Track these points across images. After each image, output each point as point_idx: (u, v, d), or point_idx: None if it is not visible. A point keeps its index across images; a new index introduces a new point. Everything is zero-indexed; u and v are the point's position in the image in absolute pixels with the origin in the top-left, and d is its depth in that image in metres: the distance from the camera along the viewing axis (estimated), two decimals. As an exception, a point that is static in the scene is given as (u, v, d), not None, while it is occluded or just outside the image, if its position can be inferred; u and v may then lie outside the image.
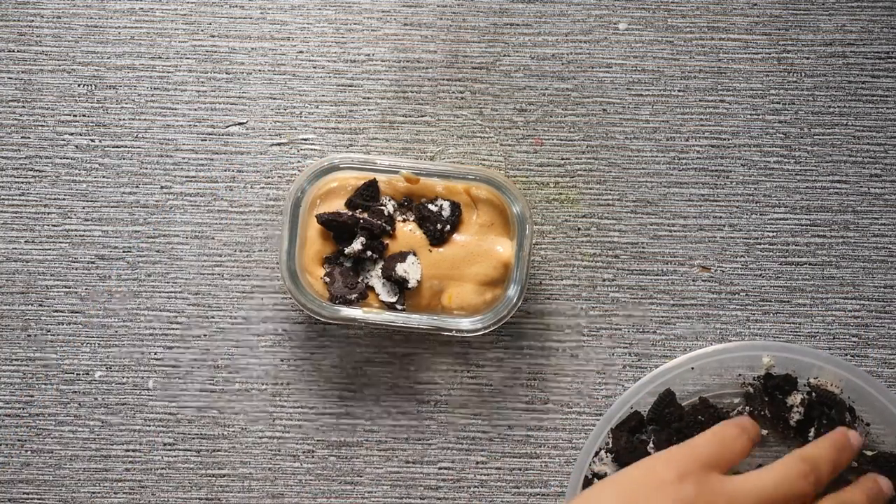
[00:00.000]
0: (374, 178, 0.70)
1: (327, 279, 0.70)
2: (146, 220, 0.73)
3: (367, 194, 0.70)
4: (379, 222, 0.70)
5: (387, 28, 0.73)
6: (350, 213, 0.70)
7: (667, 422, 0.71)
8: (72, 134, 0.73)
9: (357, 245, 0.69)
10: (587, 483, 0.70)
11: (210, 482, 0.73)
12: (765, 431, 0.72)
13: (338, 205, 0.71)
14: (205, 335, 0.73)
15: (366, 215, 0.70)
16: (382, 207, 0.70)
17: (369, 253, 0.70)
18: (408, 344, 0.73)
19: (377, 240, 0.70)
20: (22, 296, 0.73)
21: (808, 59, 0.73)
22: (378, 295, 0.70)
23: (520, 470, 0.73)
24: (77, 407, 0.73)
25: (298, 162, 0.73)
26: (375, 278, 0.70)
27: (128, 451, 0.73)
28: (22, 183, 0.73)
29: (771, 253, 0.73)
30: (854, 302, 0.73)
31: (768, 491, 0.62)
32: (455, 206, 0.70)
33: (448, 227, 0.70)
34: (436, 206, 0.70)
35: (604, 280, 0.73)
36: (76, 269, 0.73)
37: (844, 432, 0.68)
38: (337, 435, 0.73)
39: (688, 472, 0.62)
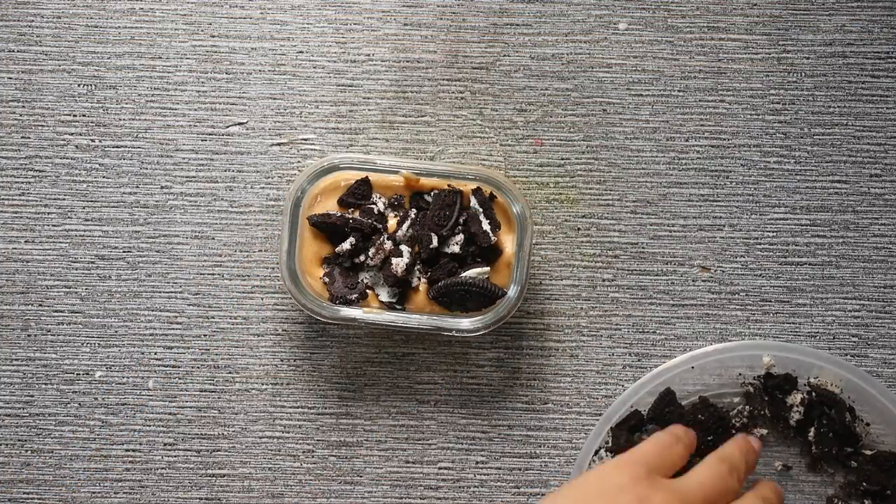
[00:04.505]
0: (367, 177, 0.70)
1: (326, 279, 0.70)
2: (146, 220, 0.73)
3: (360, 193, 0.70)
4: (369, 221, 0.70)
5: (387, 28, 0.73)
6: (340, 214, 0.70)
7: (667, 421, 0.71)
8: (72, 134, 0.73)
9: (346, 245, 0.70)
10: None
11: (210, 482, 0.73)
12: (765, 431, 0.72)
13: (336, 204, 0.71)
14: (205, 335, 0.73)
15: (357, 214, 0.70)
16: (373, 206, 0.70)
17: (361, 256, 0.70)
18: (408, 344, 0.73)
19: (368, 239, 0.70)
20: (22, 296, 0.73)
21: (808, 59, 0.73)
22: (378, 295, 0.70)
23: (520, 470, 0.73)
24: (77, 407, 0.74)
25: (298, 162, 0.73)
26: (375, 278, 0.71)
27: (128, 451, 0.73)
28: (22, 183, 0.73)
29: (771, 253, 0.73)
30: (854, 302, 0.73)
31: (708, 486, 0.64)
32: (456, 193, 0.69)
33: (453, 213, 0.70)
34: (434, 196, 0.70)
35: (604, 280, 0.73)
36: (76, 269, 0.73)
37: (746, 437, 0.69)
38: (337, 435, 0.73)
39: (639, 475, 0.63)
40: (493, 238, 0.69)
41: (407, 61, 0.73)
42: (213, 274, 0.73)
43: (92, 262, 0.73)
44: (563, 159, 0.73)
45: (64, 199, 0.73)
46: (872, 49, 0.73)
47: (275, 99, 0.73)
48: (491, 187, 0.70)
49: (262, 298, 0.73)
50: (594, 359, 0.73)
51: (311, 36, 0.73)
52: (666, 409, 0.71)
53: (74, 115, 0.73)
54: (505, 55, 0.73)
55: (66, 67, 0.73)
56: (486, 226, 0.69)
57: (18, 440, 0.74)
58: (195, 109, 0.73)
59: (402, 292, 0.71)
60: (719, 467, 0.66)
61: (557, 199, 0.73)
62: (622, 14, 0.73)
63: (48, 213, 0.73)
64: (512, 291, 0.69)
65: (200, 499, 0.73)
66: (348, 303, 0.70)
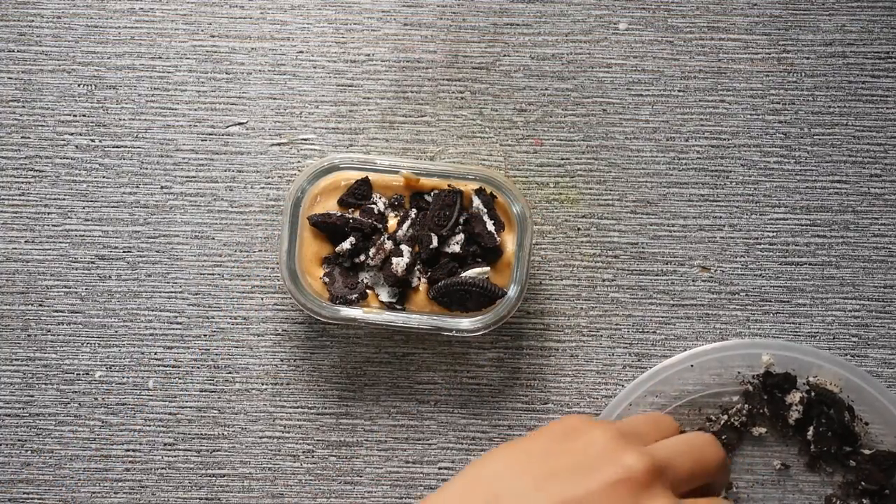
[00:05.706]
0: (367, 177, 0.70)
1: (326, 279, 0.70)
2: (146, 220, 0.73)
3: (360, 193, 0.70)
4: (369, 221, 0.70)
5: (387, 28, 0.73)
6: (340, 214, 0.70)
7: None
8: (72, 134, 0.73)
9: (346, 245, 0.70)
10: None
11: (210, 482, 0.73)
12: (764, 430, 0.72)
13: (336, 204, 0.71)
14: (205, 335, 0.73)
15: (357, 214, 0.70)
16: (373, 206, 0.70)
17: (361, 256, 0.70)
18: (408, 344, 0.73)
19: (368, 239, 0.70)
20: (22, 296, 0.73)
21: (808, 59, 0.73)
22: (378, 295, 0.70)
23: (520, 470, 0.73)
24: (77, 407, 0.73)
25: (298, 162, 0.73)
26: (375, 277, 0.71)
27: (128, 451, 0.73)
28: (22, 183, 0.73)
29: (771, 253, 0.73)
30: (854, 302, 0.73)
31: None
32: (456, 193, 0.69)
33: (453, 213, 0.70)
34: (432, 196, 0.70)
35: (604, 280, 0.73)
36: (76, 269, 0.73)
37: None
38: (337, 435, 0.73)
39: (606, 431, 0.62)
40: (497, 238, 0.69)
41: (407, 61, 0.73)
42: (213, 274, 0.73)
43: (92, 262, 0.73)
44: (563, 159, 0.73)
45: (64, 199, 0.73)
46: (872, 49, 0.73)
47: (275, 99, 0.73)
48: (491, 187, 0.70)
49: (262, 298, 0.73)
50: (594, 359, 0.73)
51: (311, 36, 0.73)
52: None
53: (74, 115, 0.73)
54: (505, 55, 0.73)
55: (66, 67, 0.73)
56: (490, 226, 0.69)
57: (18, 440, 0.74)
58: (195, 109, 0.73)
59: (402, 292, 0.71)
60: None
61: (557, 199, 0.73)
62: (622, 14, 0.73)
63: (48, 213, 0.73)
64: (512, 291, 0.69)
65: (200, 499, 0.73)
66: (348, 303, 0.70)
